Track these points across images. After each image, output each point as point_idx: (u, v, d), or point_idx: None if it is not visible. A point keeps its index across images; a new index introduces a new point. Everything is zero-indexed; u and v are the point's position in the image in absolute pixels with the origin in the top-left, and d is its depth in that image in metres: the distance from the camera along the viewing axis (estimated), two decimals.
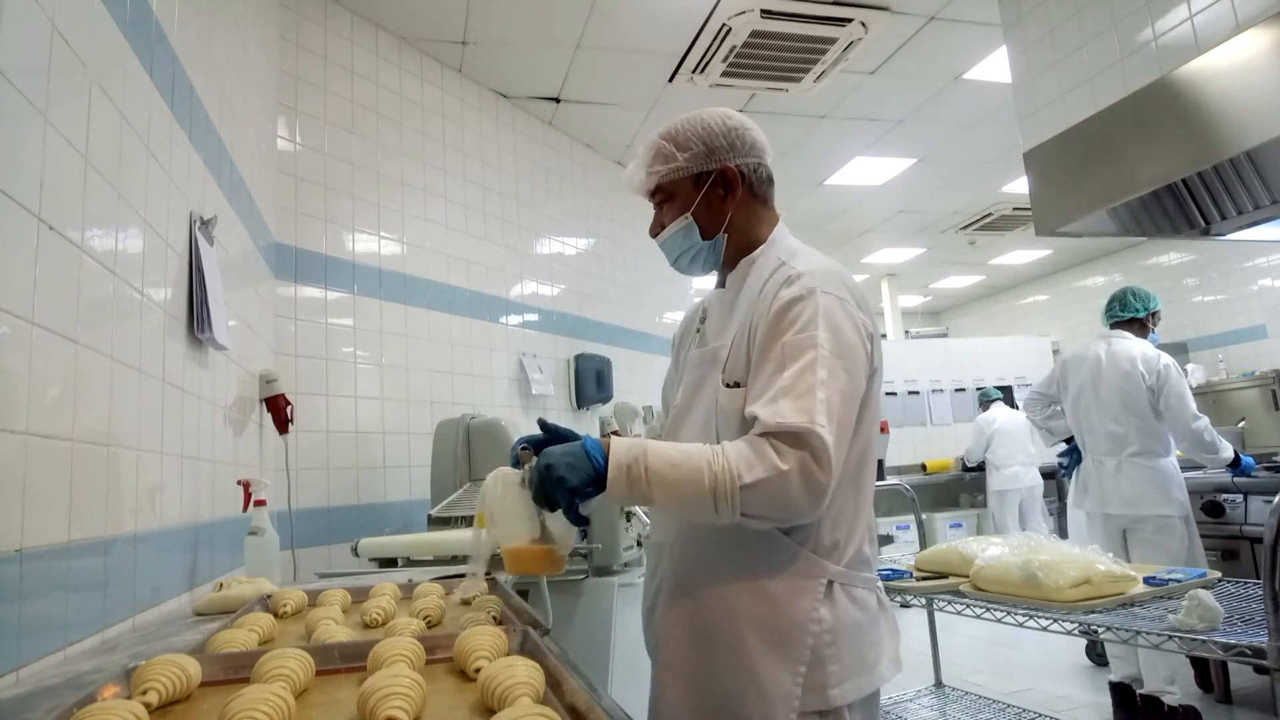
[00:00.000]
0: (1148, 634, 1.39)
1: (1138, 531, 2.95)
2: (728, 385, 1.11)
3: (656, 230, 1.28)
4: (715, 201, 1.21)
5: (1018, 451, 5.93)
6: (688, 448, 1.01)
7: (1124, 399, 3.01)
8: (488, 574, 1.32)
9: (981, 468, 6.30)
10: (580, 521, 1.04)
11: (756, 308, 1.11)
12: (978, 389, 7.69)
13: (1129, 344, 3.09)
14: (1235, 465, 3.00)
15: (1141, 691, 2.93)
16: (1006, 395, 7.03)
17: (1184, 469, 3.24)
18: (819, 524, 1.07)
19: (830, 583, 1.07)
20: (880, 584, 1.17)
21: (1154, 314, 3.22)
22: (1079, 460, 3.26)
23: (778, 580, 1.06)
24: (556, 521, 1.08)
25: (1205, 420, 2.91)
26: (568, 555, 1.10)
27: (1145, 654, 2.87)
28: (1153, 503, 2.91)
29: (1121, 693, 3.03)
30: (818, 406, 0.97)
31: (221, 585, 1.66)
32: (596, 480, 1.01)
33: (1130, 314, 3.19)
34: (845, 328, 1.05)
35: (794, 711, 1.02)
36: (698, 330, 1.29)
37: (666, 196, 1.25)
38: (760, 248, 1.22)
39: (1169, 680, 2.86)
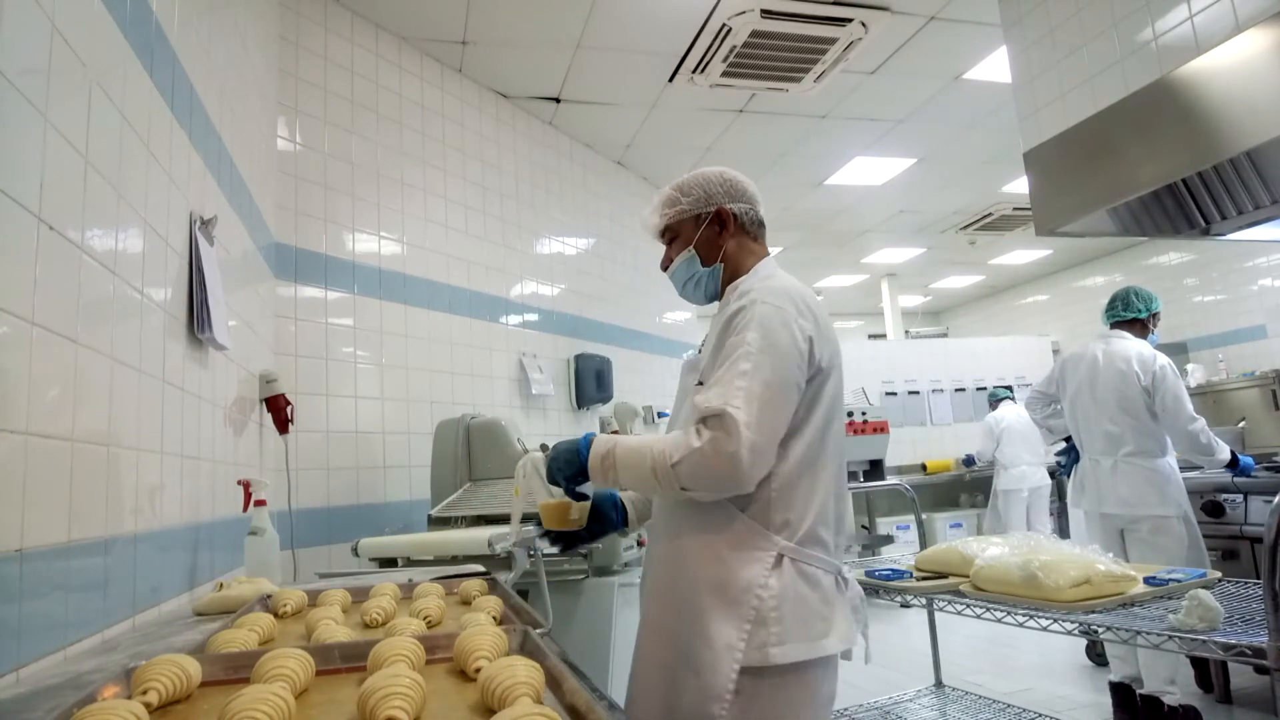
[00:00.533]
0: (1148, 634, 1.39)
1: (1134, 531, 2.95)
2: (699, 385, 1.32)
3: (666, 264, 1.52)
4: (712, 236, 1.46)
5: (1025, 451, 5.92)
6: (647, 439, 1.25)
7: (1120, 399, 3.01)
8: (487, 574, 1.55)
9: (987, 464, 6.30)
10: (579, 498, 1.36)
11: (721, 321, 1.34)
12: (983, 388, 7.69)
13: (1126, 344, 3.09)
14: (1234, 466, 2.99)
15: (1141, 691, 2.93)
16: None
17: (1183, 469, 3.24)
18: (770, 503, 1.24)
19: (780, 556, 1.23)
20: (843, 570, 1.32)
21: (1155, 315, 3.22)
22: (1077, 459, 3.26)
23: (733, 550, 1.24)
24: (564, 497, 1.39)
25: (1202, 422, 2.91)
26: (582, 517, 1.40)
27: (1145, 654, 2.87)
28: (1148, 503, 2.91)
29: (1122, 693, 3.04)
30: (735, 392, 1.17)
31: (221, 585, 1.66)
32: (583, 469, 1.29)
33: (1133, 314, 3.19)
34: (777, 330, 1.24)
35: (736, 663, 1.17)
36: (699, 348, 1.51)
37: (674, 235, 1.50)
38: (744, 276, 1.43)
39: (1169, 680, 2.86)
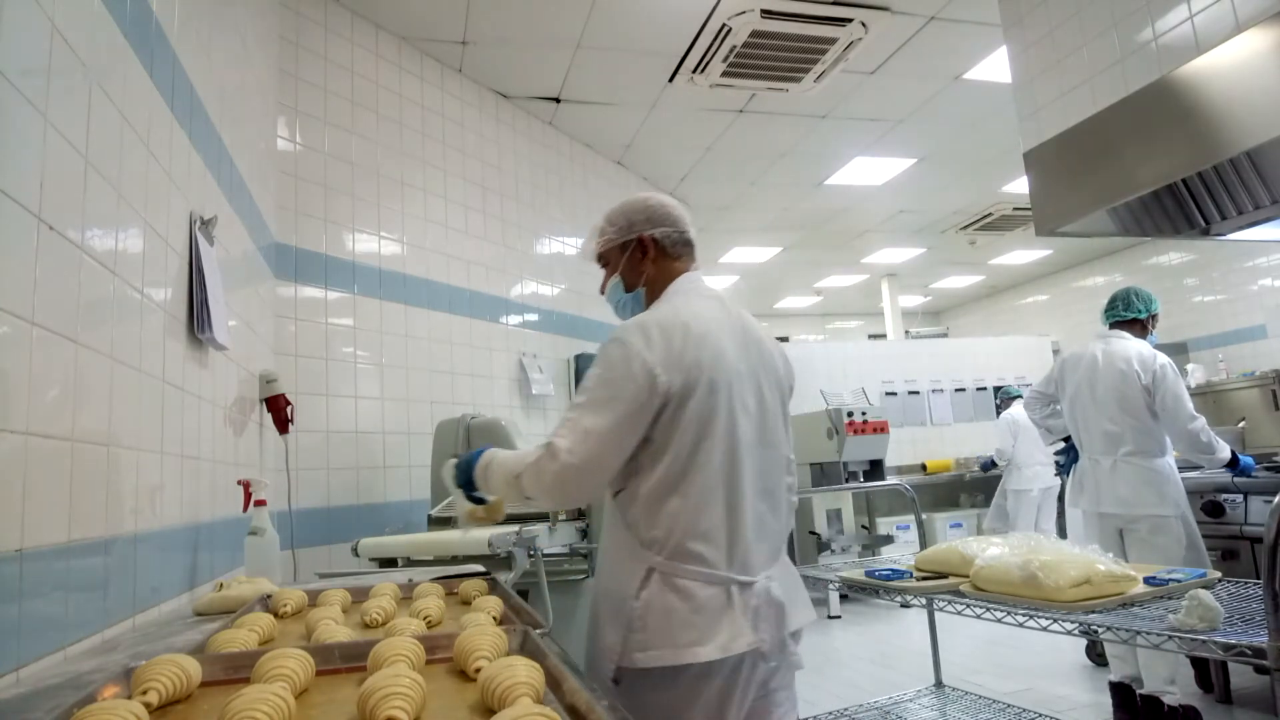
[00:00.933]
0: (1148, 634, 1.39)
1: (1133, 531, 2.95)
2: None
3: (603, 289, 1.64)
4: (634, 263, 1.57)
5: (1038, 450, 5.87)
6: (517, 453, 1.43)
7: (1119, 398, 3.01)
8: (487, 574, 1.68)
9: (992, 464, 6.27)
10: (478, 502, 1.52)
11: None
12: (983, 388, 7.68)
13: (1126, 344, 3.09)
14: (1234, 466, 2.99)
15: (1141, 691, 2.93)
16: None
17: (1183, 469, 3.24)
18: (638, 521, 1.36)
19: (651, 570, 1.33)
20: (734, 580, 1.34)
21: (1154, 316, 3.22)
22: (1076, 459, 3.26)
23: (616, 563, 1.39)
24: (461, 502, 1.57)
25: (1202, 421, 2.91)
26: (499, 515, 1.55)
27: (1144, 654, 2.86)
28: (1147, 502, 2.91)
29: (1121, 693, 3.03)
30: (563, 424, 1.35)
31: (221, 585, 1.66)
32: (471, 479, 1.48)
33: (1133, 314, 3.19)
34: (615, 365, 1.36)
35: (614, 664, 1.31)
36: None
37: (605, 262, 1.62)
38: (658, 300, 1.54)
39: (1169, 680, 2.86)
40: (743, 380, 1.43)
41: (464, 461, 1.51)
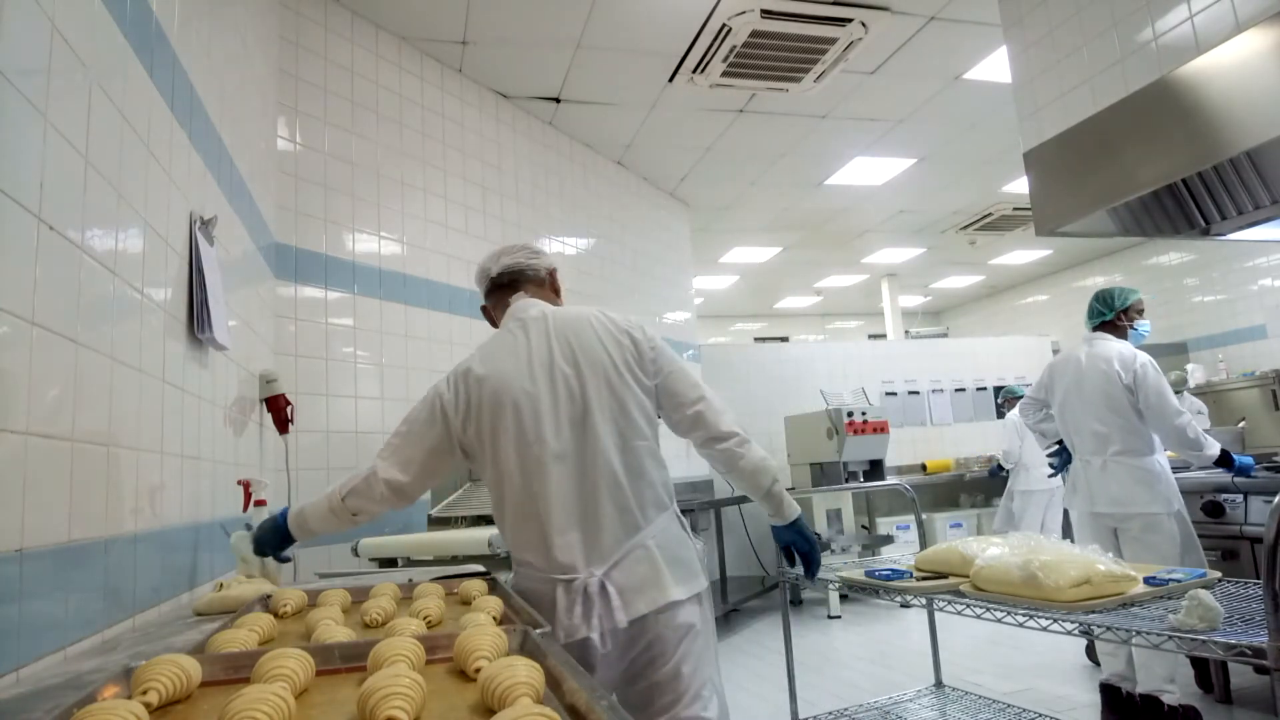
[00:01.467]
0: (1148, 634, 1.39)
1: (1126, 530, 2.96)
2: None
3: None
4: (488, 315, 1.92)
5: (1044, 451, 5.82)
6: (324, 493, 1.71)
7: (1105, 399, 3.04)
8: (487, 574, 1.67)
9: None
10: (284, 560, 1.81)
11: None
12: (983, 388, 7.67)
13: (1108, 345, 3.12)
14: (1228, 465, 2.98)
15: (1140, 691, 2.92)
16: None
17: (1181, 469, 3.24)
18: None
19: (517, 571, 1.64)
20: (556, 579, 1.54)
21: (1125, 311, 3.20)
22: (1069, 460, 3.28)
23: None
24: (271, 561, 1.85)
25: (1187, 416, 2.92)
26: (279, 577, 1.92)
27: (1142, 653, 2.86)
28: (1139, 501, 2.93)
29: (1109, 693, 3.03)
30: (384, 444, 1.68)
31: (221, 585, 1.66)
32: (285, 536, 1.70)
33: (1100, 319, 3.21)
34: (421, 401, 1.68)
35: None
36: None
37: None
38: None
39: (1168, 679, 2.86)
40: (538, 411, 1.58)
41: (267, 529, 1.73)
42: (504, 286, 1.82)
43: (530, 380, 1.59)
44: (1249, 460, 3.00)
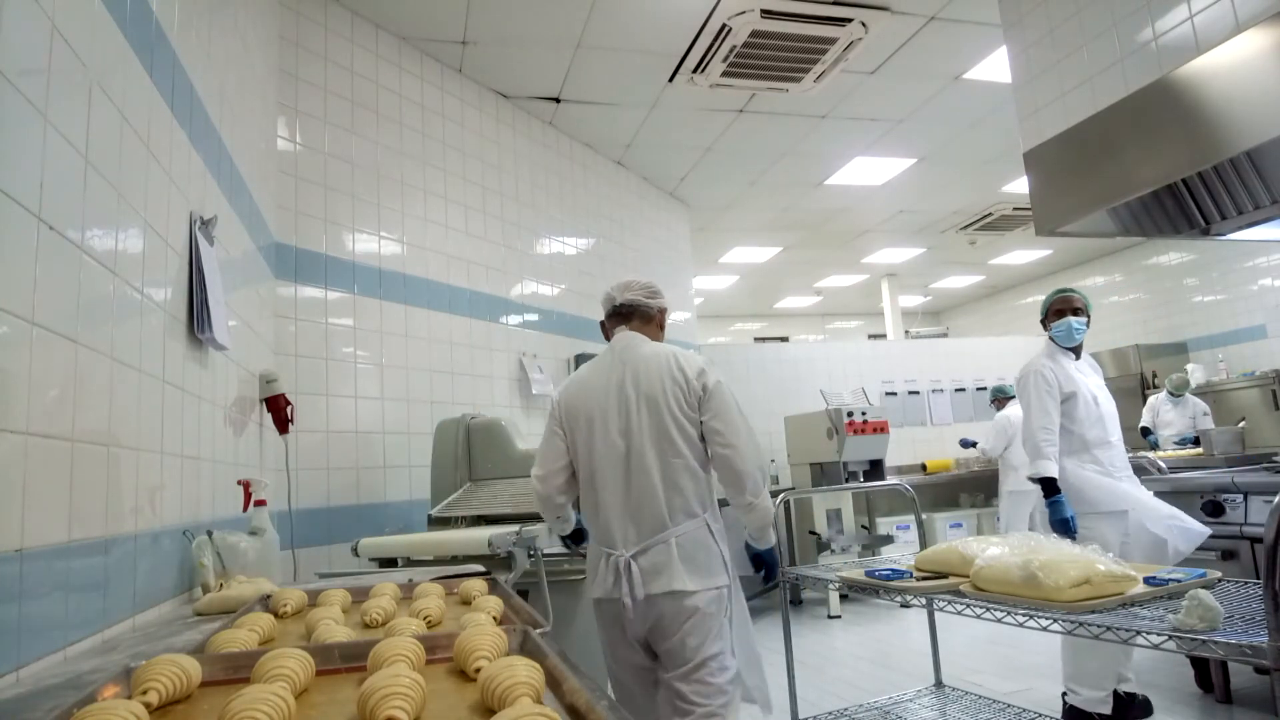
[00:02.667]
0: (1148, 634, 1.39)
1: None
2: None
3: None
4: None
5: None
6: None
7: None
8: (487, 574, 1.62)
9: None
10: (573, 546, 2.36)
11: None
12: (983, 388, 7.64)
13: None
14: (1049, 494, 2.84)
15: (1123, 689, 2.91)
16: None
17: (1180, 469, 3.24)
18: None
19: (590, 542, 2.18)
20: (605, 550, 2.03)
21: (1044, 320, 3.16)
22: None
23: None
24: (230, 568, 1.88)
25: (1033, 428, 2.93)
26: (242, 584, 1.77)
27: (1064, 654, 2.89)
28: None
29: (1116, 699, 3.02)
30: None
31: (222, 585, 1.66)
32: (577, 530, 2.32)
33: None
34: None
35: None
36: None
37: None
38: None
39: (1072, 679, 2.85)
40: (605, 416, 2.05)
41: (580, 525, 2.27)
42: (620, 315, 2.22)
43: (604, 398, 2.07)
44: (1066, 514, 2.82)
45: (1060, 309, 3.08)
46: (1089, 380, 3.05)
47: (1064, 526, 2.77)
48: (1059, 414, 2.94)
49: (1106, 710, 2.80)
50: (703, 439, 2.02)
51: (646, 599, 1.93)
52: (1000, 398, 6.22)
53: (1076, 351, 3.09)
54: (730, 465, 1.98)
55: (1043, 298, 3.19)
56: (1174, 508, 2.85)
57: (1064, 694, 2.92)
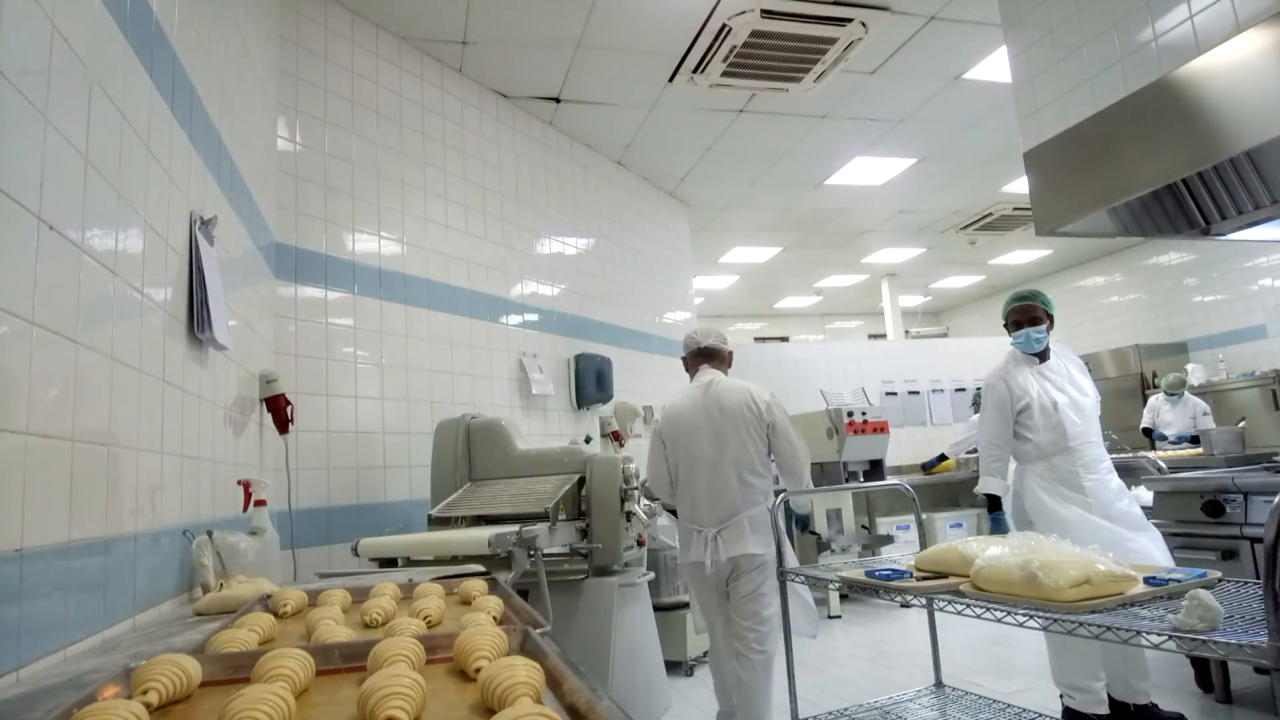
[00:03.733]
0: (1148, 634, 1.39)
1: None
2: None
3: None
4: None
5: None
6: None
7: None
8: (487, 574, 1.61)
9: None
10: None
11: None
12: (980, 386, 7.67)
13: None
14: (992, 509, 3.03)
15: (1116, 696, 2.91)
16: None
17: (1180, 469, 3.23)
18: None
19: (679, 521, 3.08)
20: (692, 526, 2.96)
21: (1006, 324, 3.12)
22: None
23: None
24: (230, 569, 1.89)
25: (983, 437, 3.05)
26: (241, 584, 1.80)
27: (1051, 654, 2.91)
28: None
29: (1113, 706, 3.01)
30: None
31: (222, 585, 1.66)
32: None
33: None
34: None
35: None
36: None
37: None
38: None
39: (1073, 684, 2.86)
40: (698, 431, 2.93)
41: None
42: (703, 355, 3.12)
43: (695, 416, 2.96)
44: (1002, 530, 2.92)
45: (1018, 320, 3.05)
46: (1050, 384, 2.97)
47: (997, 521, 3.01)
48: (1011, 427, 2.97)
49: (1103, 710, 2.80)
50: (768, 450, 2.92)
51: (726, 560, 2.82)
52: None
53: (1043, 355, 3.04)
54: (790, 469, 2.96)
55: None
56: (1126, 533, 2.74)
57: (1060, 695, 2.93)
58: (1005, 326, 3.13)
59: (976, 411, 6.16)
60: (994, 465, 2.99)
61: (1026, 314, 3.04)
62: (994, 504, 3.01)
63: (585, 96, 4.79)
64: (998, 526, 2.97)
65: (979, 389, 6.40)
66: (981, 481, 3.03)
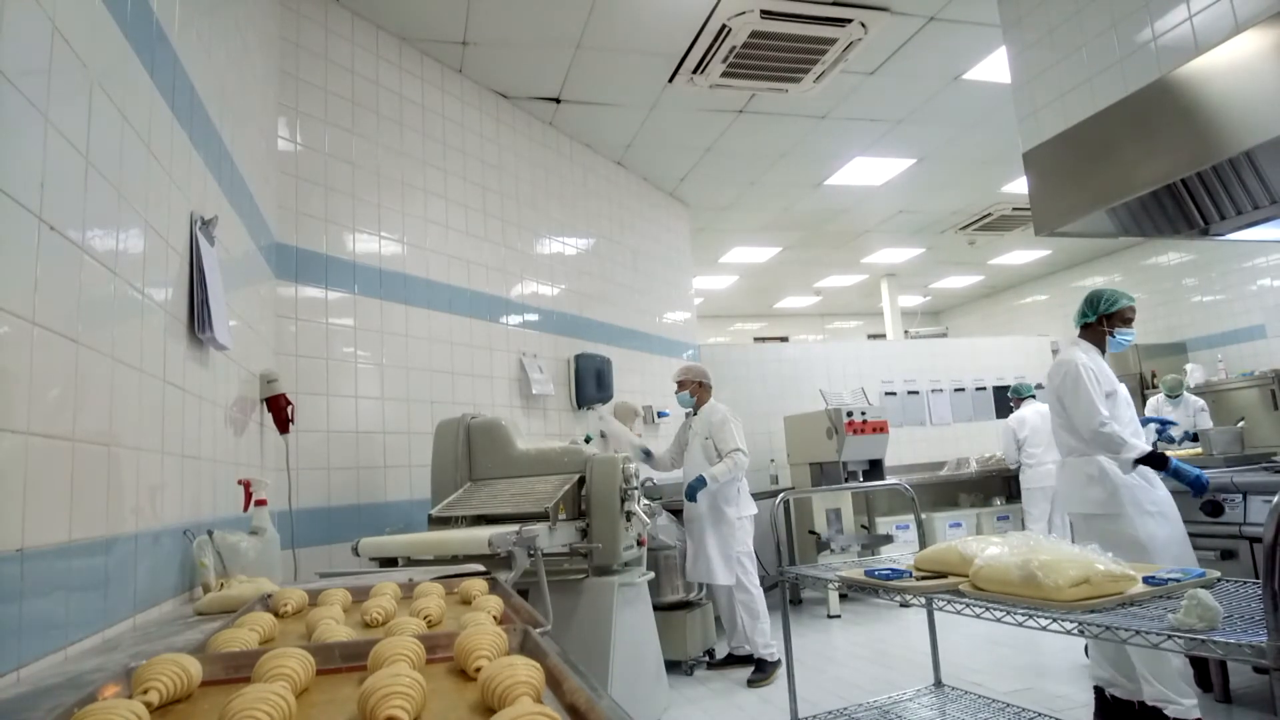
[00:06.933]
0: (1147, 634, 1.39)
1: (1078, 529, 3.05)
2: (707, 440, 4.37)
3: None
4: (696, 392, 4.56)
5: (1051, 449, 5.86)
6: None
7: (1056, 402, 3.06)
8: (487, 574, 1.60)
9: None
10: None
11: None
12: (982, 388, 7.67)
13: (1069, 349, 3.09)
14: (1160, 466, 2.79)
15: (1112, 692, 2.91)
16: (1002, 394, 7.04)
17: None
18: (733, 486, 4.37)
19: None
20: (743, 513, 4.29)
21: (1108, 317, 3.07)
22: None
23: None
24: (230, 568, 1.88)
25: (1102, 417, 2.84)
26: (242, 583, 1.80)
27: (1143, 664, 2.82)
28: (1073, 501, 3.00)
29: (1099, 695, 3.02)
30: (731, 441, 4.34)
31: (222, 584, 1.66)
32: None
33: (1082, 320, 3.15)
34: (732, 418, 4.49)
35: None
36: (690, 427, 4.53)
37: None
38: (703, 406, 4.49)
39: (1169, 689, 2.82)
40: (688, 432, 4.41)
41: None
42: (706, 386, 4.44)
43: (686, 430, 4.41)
44: (1191, 471, 2.81)
45: (1129, 317, 3.04)
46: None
47: (1199, 484, 2.79)
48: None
49: (1197, 714, 2.72)
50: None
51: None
52: (1018, 397, 6.23)
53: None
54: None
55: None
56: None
57: (1138, 705, 2.84)
58: (1099, 319, 3.07)
59: (1015, 408, 6.16)
60: (1124, 433, 2.83)
61: (1125, 315, 3.06)
62: (1158, 461, 2.78)
63: (585, 97, 4.79)
64: (1186, 474, 2.77)
65: (1011, 389, 6.39)
66: (1129, 449, 2.78)
